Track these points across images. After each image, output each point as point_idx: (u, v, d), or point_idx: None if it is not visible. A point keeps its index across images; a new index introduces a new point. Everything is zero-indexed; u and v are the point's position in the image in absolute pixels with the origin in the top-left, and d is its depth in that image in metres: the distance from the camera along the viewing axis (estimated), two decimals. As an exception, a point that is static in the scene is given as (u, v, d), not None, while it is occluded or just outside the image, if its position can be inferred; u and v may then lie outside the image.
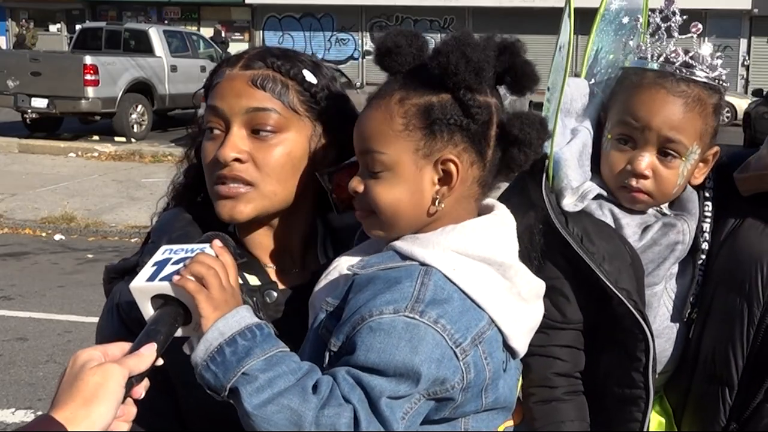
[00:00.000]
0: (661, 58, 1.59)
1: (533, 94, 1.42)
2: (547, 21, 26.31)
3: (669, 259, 1.64)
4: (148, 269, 1.23)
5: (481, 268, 1.26)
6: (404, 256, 1.25)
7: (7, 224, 9.12)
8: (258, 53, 1.45)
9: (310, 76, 1.45)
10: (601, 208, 1.63)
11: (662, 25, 1.63)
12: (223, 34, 23.31)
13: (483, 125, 1.27)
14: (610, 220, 1.63)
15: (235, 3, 29.43)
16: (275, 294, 1.43)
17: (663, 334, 1.66)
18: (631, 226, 1.63)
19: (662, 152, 1.58)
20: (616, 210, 1.63)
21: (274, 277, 1.47)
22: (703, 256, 1.67)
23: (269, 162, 1.39)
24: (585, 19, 1.57)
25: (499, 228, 1.32)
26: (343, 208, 1.44)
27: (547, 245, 1.57)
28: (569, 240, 1.55)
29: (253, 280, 1.45)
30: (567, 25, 1.63)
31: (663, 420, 1.73)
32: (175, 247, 1.28)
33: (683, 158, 1.58)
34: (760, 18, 25.78)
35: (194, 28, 24.99)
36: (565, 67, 1.59)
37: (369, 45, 29.33)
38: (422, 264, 1.23)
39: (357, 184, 1.30)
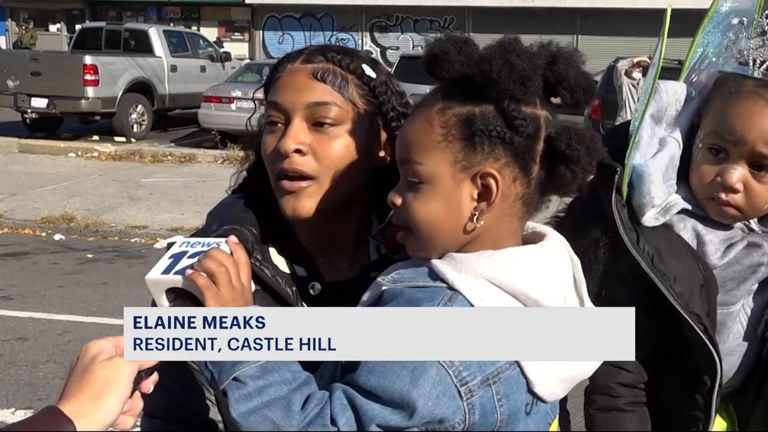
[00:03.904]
0: (764, 66, 1.51)
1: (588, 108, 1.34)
2: (547, 21, 26.31)
3: (750, 279, 1.59)
4: (164, 261, 1.24)
5: (512, 303, 1.17)
6: (435, 276, 1.19)
7: (7, 224, 9.11)
8: (318, 48, 1.46)
9: (369, 70, 1.46)
10: (683, 221, 1.57)
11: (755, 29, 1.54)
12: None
13: (528, 139, 1.18)
14: (691, 236, 1.57)
15: (235, 3, 29.41)
16: (319, 286, 1.44)
17: (735, 351, 1.63)
18: (713, 242, 1.57)
19: (755, 166, 1.51)
20: (699, 226, 1.57)
21: (322, 269, 1.47)
22: None
23: (330, 154, 1.39)
24: (670, 19, 1.51)
25: (543, 261, 1.22)
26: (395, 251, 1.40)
27: (617, 261, 1.52)
28: (638, 259, 1.50)
29: (300, 271, 1.46)
30: (660, 42, 1.57)
31: (726, 423, 1.72)
32: (192, 240, 1.29)
33: None
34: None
35: (194, 28, 24.97)
36: (652, 85, 1.55)
37: (369, 45, 29.33)
38: (450, 288, 1.16)
39: (395, 197, 1.24)
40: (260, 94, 1.54)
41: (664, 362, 1.61)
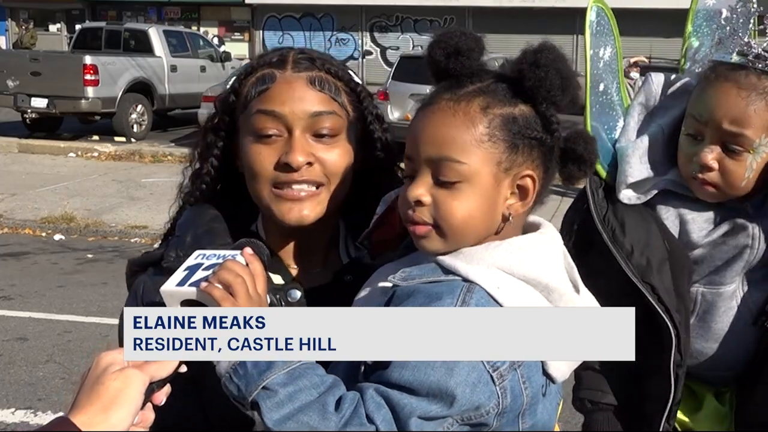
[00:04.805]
0: (736, 51, 1.59)
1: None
2: (546, 21, 26.31)
3: (737, 261, 1.64)
4: (179, 273, 1.24)
5: (525, 288, 1.20)
6: (447, 270, 1.20)
7: (7, 224, 9.11)
8: (300, 54, 1.44)
9: (354, 77, 1.47)
10: (666, 201, 1.66)
11: (739, 18, 1.64)
12: (215, 41, 23.38)
13: (556, 140, 1.23)
14: (673, 215, 1.66)
15: (235, 3, 29.42)
16: (298, 293, 1.43)
17: (730, 335, 1.68)
18: (697, 221, 1.65)
19: (728, 145, 1.57)
20: (683, 206, 1.66)
21: (297, 276, 1.47)
22: None
23: (334, 163, 1.40)
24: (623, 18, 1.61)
25: (545, 248, 1.26)
26: (377, 254, 1.41)
27: (590, 239, 1.63)
28: (600, 230, 1.61)
29: (277, 279, 1.46)
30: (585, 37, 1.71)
31: (725, 411, 1.76)
32: (207, 252, 1.28)
33: (751, 151, 1.56)
34: (760, 18, 25.78)
35: (194, 28, 24.98)
36: (586, 78, 1.69)
37: (369, 45, 29.34)
38: (465, 280, 1.19)
39: (422, 195, 1.21)
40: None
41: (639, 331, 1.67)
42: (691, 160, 1.61)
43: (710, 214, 1.66)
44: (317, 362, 1.18)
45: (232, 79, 1.51)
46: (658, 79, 1.72)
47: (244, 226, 1.49)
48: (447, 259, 1.21)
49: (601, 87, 1.75)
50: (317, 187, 1.39)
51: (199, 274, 1.22)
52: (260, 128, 1.39)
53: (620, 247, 1.60)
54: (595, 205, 1.63)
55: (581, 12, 1.63)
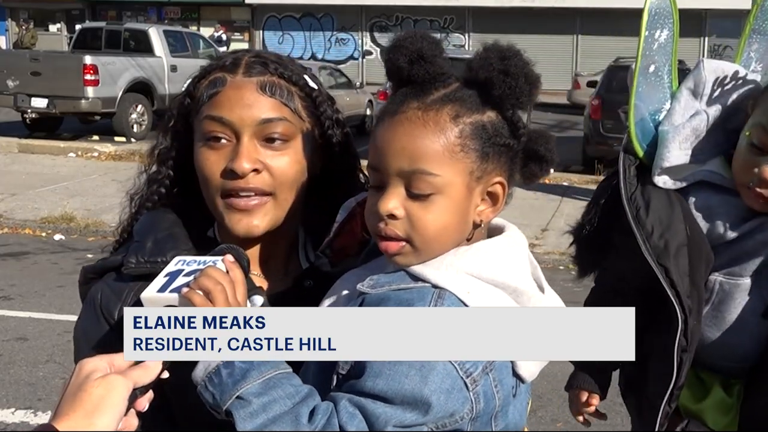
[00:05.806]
0: None
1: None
2: (547, 21, 26.32)
3: (760, 255, 1.66)
4: (159, 279, 1.23)
5: (495, 292, 1.19)
6: (415, 277, 1.19)
7: (7, 224, 9.11)
8: (254, 58, 1.42)
9: (310, 81, 1.44)
10: (699, 190, 1.67)
11: None
12: (223, 37, 23.62)
13: (521, 144, 1.23)
14: (703, 204, 1.67)
15: (235, 3, 29.44)
16: (261, 299, 1.40)
17: (743, 327, 1.69)
18: (727, 215, 1.66)
19: None
20: (715, 198, 1.66)
21: (258, 282, 1.44)
22: None
23: (283, 171, 1.37)
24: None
25: (512, 250, 1.25)
26: (338, 262, 1.40)
27: (615, 214, 1.68)
28: (626, 208, 1.63)
29: None
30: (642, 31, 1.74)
31: (732, 402, 1.76)
32: (188, 258, 1.28)
33: None
34: (760, 18, 25.74)
35: (194, 28, 24.98)
36: (636, 67, 1.73)
37: (369, 45, 29.35)
38: (434, 286, 1.17)
39: (395, 208, 1.18)
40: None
41: (647, 310, 1.70)
42: (750, 169, 1.60)
43: (741, 210, 1.66)
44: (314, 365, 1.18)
45: (188, 81, 1.49)
46: (709, 66, 1.71)
47: (201, 231, 1.47)
48: (415, 267, 1.20)
49: (652, 68, 1.76)
50: (264, 197, 1.36)
51: (180, 280, 1.22)
52: (209, 133, 1.36)
53: (642, 226, 1.63)
54: (625, 181, 1.66)
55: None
